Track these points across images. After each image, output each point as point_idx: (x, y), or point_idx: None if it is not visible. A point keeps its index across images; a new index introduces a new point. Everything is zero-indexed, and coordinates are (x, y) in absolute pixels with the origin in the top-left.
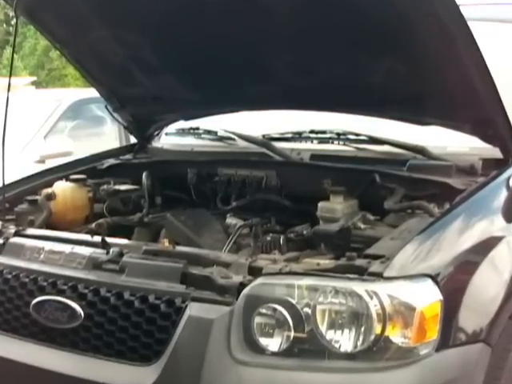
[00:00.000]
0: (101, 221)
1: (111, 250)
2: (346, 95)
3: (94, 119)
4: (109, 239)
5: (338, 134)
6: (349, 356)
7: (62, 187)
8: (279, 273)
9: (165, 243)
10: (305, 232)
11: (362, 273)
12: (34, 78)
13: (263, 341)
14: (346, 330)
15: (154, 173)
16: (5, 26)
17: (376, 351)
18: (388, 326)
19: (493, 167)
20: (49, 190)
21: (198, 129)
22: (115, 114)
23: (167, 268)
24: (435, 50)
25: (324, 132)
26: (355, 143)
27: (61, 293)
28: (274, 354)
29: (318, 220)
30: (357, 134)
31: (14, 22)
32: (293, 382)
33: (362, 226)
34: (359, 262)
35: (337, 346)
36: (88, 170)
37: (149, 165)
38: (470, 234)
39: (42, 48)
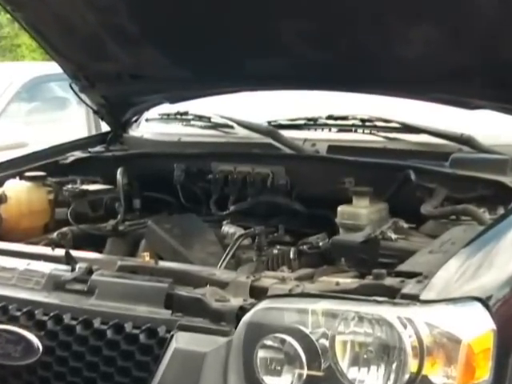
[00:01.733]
0: (64, 229)
1: (77, 267)
2: (373, 72)
3: (55, 101)
4: (74, 252)
5: (363, 121)
6: None
7: (15, 187)
8: (289, 294)
9: (145, 257)
10: (321, 243)
11: (393, 295)
12: None
13: (269, 380)
14: (373, 368)
15: (131, 169)
16: None
17: None
18: (426, 362)
19: None
20: None
21: (186, 114)
22: (82, 95)
23: (148, 289)
24: (487, 10)
25: (345, 118)
26: (384, 132)
27: (13, 321)
28: None
29: (337, 228)
30: (386, 121)
31: None
32: None
33: (393, 235)
34: (389, 281)
35: None
36: (48, 165)
37: (125, 159)
38: None
39: None
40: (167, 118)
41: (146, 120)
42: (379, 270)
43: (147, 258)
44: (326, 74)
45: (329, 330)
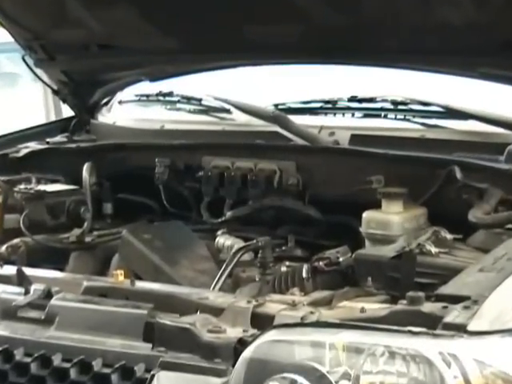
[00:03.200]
0: (16, 241)
1: (32, 289)
2: (409, 41)
3: (3, 78)
4: (29, 270)
5: (395, 103)
6: None
7: None
8: (301, 324)
9: (118, 277)
10: (341, 259)
11: (433, 324)
12: None
13: None
14: None
15: (101, 165)
16: None
17: None
18: None
19: None
20: None
21: (171, 95)
22: (39, 71)
23: (122, 316)
24: None
25: (372, 100)
26: (422, 117)
27: None
28: None
29: (362, 240)
30: (425, 103)
31: None
32: None
33: (434, 249)
34: (429, 307)
35: None
36: None
37: (93, 152)
38: None
39: None
40: (146, 99)
41: (120, 102)
42: (415, 293)
43: (121, 278)
44: (348, 44)
45: (352, 369)
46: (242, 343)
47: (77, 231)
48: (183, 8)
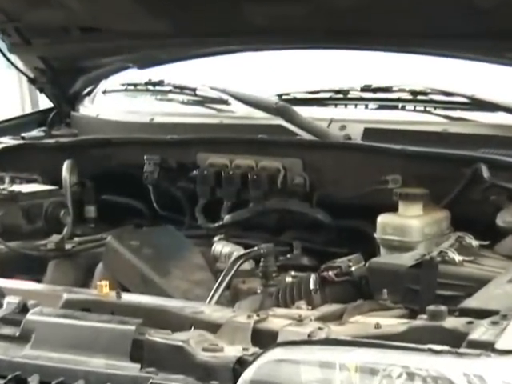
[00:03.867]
0: None
1: (6, 302)
2: (426, 24)
3: None
4: (2, 281)
5: (414, 93)
6: None
7: None
8: (308, 341)
9: (102, 288)
10: (353, 268)
11: (457, 342)
12: None
13: None
14: None
15: (83, 163)
16: None
17: None
18: None
19: None
20: None
21: (162, 83)
22: (13, 57)
23: (107, 333)
24: None
25: (388, 89)
26: (445, 109)
27: None
28: None
29: (376, 247)
30: (448, 93)
31: None
32: None
33: (457, 257)
34: (452, 322)
35: None
36: None
37: (74, 148)
38: None
39: None
40: (134, 89)
41: (104, 92)
42: (437, 307)
43: (106, 290)
44: (359, 27)
45: None
46: (242, 363)
47: (56, 237)
48: None
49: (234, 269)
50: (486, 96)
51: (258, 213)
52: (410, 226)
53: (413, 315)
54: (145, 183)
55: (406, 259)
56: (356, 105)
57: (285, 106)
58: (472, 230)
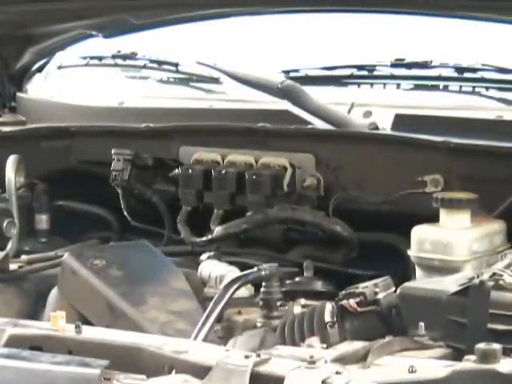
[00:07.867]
0: None
1: None
2: None
3: None
4: None
5: (460, 70)
6: None
7: None
8: None
9: (57, 320)
10: (381, 296)
11: None
12: None
13: None
14: None
15: (33, 159)
16: None
17: None
18: None
19: None
20: None
21: (134, 57)
22: None
23: (64, 378)
24: None
25: (426, 64)
26: (498, 90)
27: None
28: None
29: (411, 267)
30: (502, 70)
31: None
32: None
33: None
34: (508, 365)
35: None
36: None
37: (21, 139)
38: None
39: None
40: (98, 63)
41: (60, 68)
42: (489, 346)
43: (62, 322)
44: None
45: None
46: None
47: None
48: None
49: (228, 296)
50: None
51: (257, 224)
52: (454, 240)
53: (458, 356)
54: (113, 185)
55: (449, 284)
56: (385, 84)
57: (293, 86)
58: None
